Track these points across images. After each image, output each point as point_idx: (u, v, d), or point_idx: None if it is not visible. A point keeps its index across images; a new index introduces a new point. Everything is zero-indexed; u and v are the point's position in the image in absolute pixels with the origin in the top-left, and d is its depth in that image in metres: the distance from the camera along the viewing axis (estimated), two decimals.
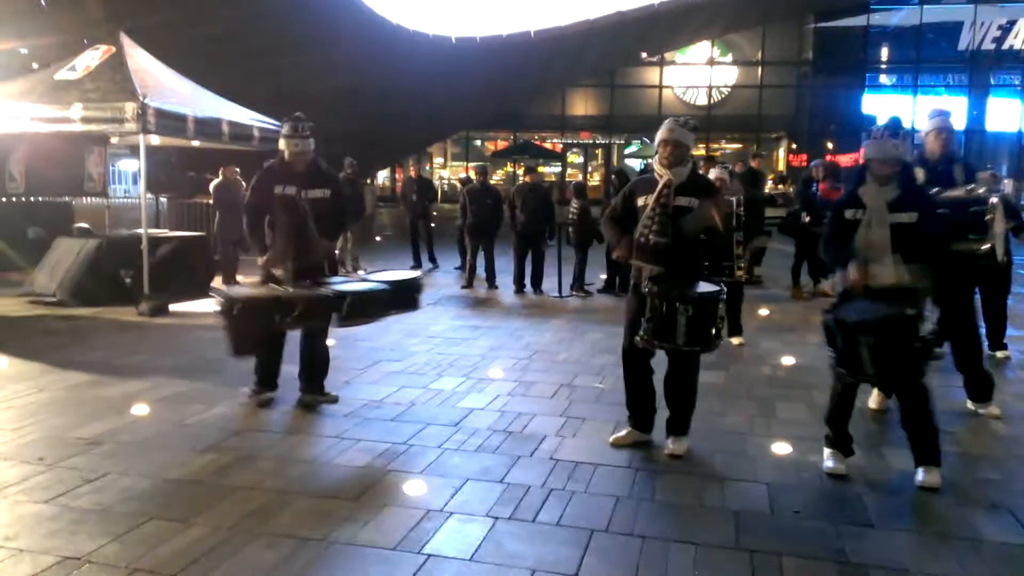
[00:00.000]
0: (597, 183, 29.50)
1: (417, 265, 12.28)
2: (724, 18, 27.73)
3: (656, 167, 4.22)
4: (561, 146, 32.91)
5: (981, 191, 4.65)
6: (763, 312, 8.68)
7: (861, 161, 4.00)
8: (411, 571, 3.00)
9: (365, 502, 3.61)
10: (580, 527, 3.37)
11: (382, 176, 33.33)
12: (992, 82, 29.80)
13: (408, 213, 12.76)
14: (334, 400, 5.16)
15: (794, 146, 30.95)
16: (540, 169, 10.70)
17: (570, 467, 4.06)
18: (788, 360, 6.45)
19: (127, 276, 8.57)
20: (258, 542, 3.19)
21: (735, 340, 6.97)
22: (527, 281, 10.23)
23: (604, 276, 10.32)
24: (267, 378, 5.22)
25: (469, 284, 10.50)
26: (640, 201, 4.22)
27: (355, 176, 12.06)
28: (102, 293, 8.52)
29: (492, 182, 11.57)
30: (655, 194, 4.13)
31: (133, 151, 15.72)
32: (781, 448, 4.37)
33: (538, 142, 31.63)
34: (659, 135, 4.21)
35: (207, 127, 8.70)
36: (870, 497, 3.74)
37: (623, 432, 4.40)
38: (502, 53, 21.35)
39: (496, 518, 3.45)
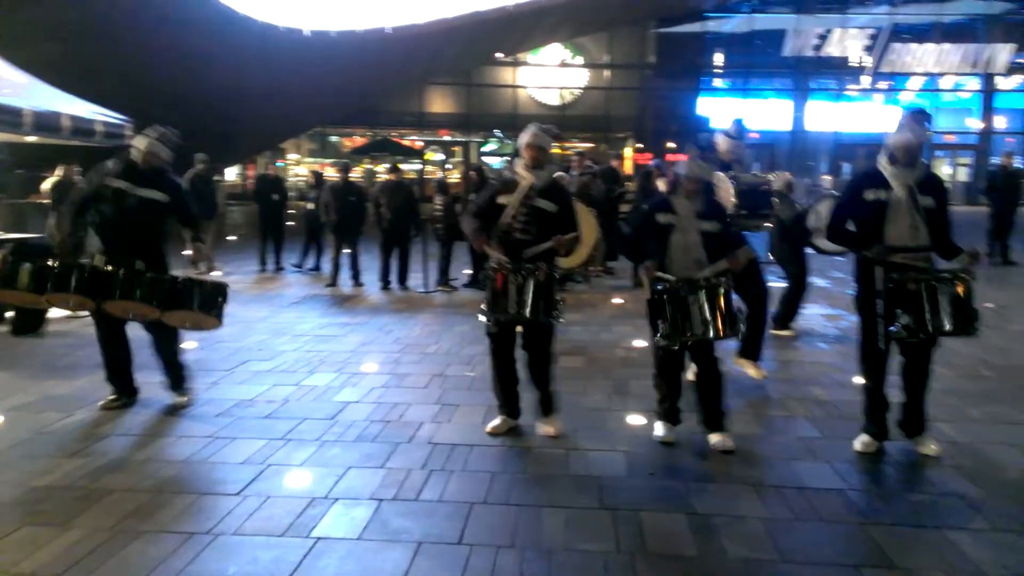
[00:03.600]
0: (457, 180, 29.82)
1: (263, 267, 11.91)
2: (573, 22, 28.76)
3: (519, 169, 4.52)
4: (420, 143, 32.95)
5: (771, 177, 5.63)
6: (616, 300, 9.28)
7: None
8: (301, 554, 3.13)
9: (247, 495, 3.68)
10: (461, 501, 3.62)
11: (233, 173, 31.99)
12: (812, 86, 32.70)
13: (264, 213, 12.10)
14: (185, 403, 5.08)
15: (640, 146, 32.61)
16: (399, 166, 10.73)
17: (448, 449, 4.29)
18: (639, 343, 6.97)
19: None
20: (141, 540, 3.21)
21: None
22: (393, 277, 10.34)
23: (468, 271, 10.60)
24: (122, 385, 5.08)
25: (333, 282, 10.46)
26: (502, 200, 4.50)
27: (209, 173, 11.65)
28: None
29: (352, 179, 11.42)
30: (519, 196, 4.44)
31: None
32: (635, 420, 4.81)
33: (397, 139, 31.49)
34: (525, 139, 4.51)
35: (45, 121, 8.19)
36: (712, 458, 4.22)
37: (497, 421, 4.63)
38: (359, 49, 21.12)
39: (380, 500, 3.63)
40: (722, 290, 4.16)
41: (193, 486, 3.82)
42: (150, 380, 5.31)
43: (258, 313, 8.25)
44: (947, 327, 3.99)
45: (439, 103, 32.43)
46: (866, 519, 3.52)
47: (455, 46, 25.55)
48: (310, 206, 11.76)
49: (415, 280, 10.38)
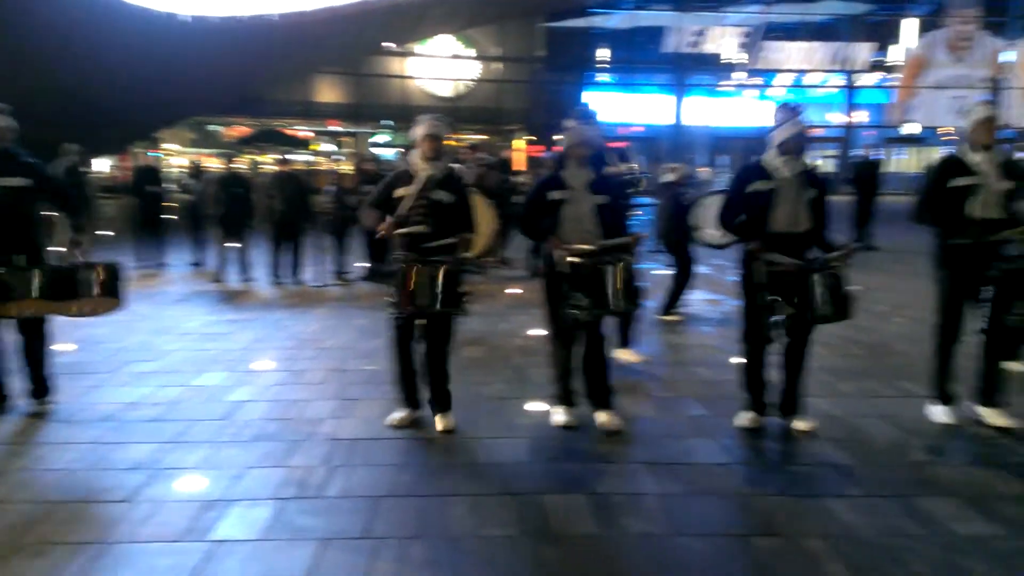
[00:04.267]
0: (349, 171, 29.27)
1: (158, 264, 11.32)
2: (463, 13, 28.76)
3: (417, 160, 4.49)
4: (308, 134, 32.11)
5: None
6: (513, 290, 9.41)
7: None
8: (199, 558, 3.04)
9: (139, 501, 3.52)
10: (366, 496, 3.60)
11: (105, 164, 30.13)
12: (690, 82, 34.06)
13: (141, 206, 11.41)
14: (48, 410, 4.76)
15: (532, 138, 33.03)
16: (287, 157, 10.51)
17: (350, 444, 4.25)
18: (537, 331, 7.10)
19: None
20: (23, 553, 3.02)
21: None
22: (285, 271, 10.07)
23: (364, 264, 10.46)
24: None
25: (220, 278, 10.07)
26: (399, 191, 4.46)
27: (79, 164, 10.95)
28: None
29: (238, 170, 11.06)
30: (417, 187, 4.41)
31: None
32: (535, 407, 4.92)
33: (283, 129, 30.56)
34: (421, 130, 4.46)
35: None
36: (608, 439, 4.37)
37: (399, 414, 4.59)
38: (243, 35, 20.33)
39: (282, 499, 3.56)
40: (629, 264, 4.27)
41: (78, 494, 3.62)
42: (23, 386, 4.98)
43: (139, 311, 7.83)
44: (825, 313, 4.21)
45: (327, 92, 31.72)
46: (752, 491, 3.75)
47: (343, 34, 25.00)
48: (187, 196, 11.28)
49: (308, 274, 10.15)
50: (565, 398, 4.61)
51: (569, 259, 4.27)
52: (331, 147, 33.31)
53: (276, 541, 3.18)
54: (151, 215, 11.42)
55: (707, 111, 33.54)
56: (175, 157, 31.42)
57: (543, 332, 7.01)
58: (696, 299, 8.59)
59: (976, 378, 4.61)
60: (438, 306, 4.26)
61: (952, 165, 4.52)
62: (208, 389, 5.30)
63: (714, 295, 9.11)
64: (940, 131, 32.40)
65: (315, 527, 3.30)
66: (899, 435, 4.48)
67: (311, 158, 31.42)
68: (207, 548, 3.11)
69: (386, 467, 3.95)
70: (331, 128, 32.70)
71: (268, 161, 20.39)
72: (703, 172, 26.45)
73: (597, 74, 34.79)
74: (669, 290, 7.71)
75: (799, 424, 4.50)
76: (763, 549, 3.17)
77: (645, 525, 3.35)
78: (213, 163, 21.71)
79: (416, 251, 4.37)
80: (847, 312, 4.27)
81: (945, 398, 4.67)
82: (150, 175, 11.86)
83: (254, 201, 10.24)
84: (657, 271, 8.19)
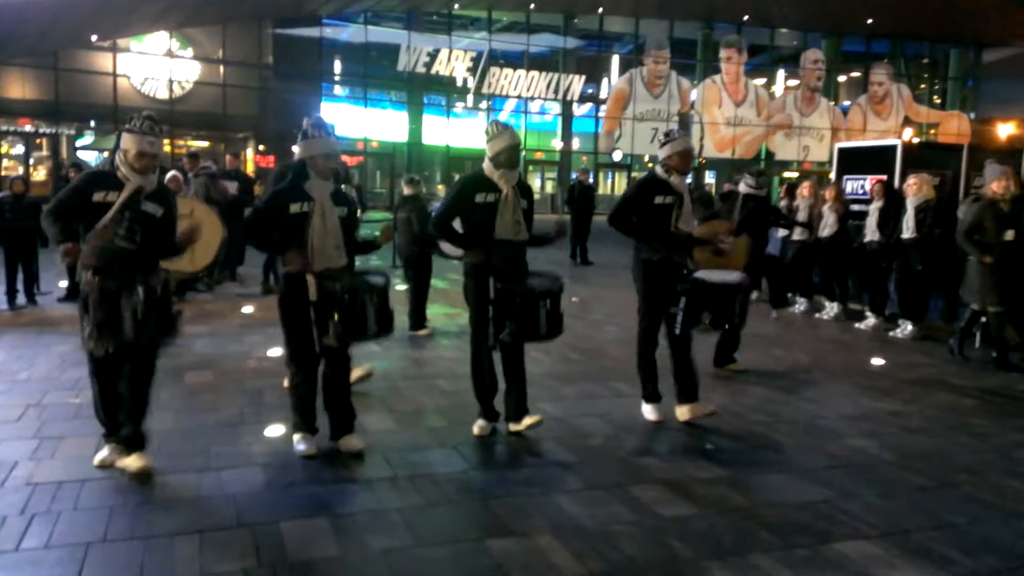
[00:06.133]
0: (44, 178, 25.71)
1: None
2: (181, 10, 26.75)
3: (125, 171, 4.00)
4: None
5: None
6: (245, 309, 8.93)
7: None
8: None
9: None
10: (74, 544, 3.21)
11: None
12: (425, 102, 34.85)
13: None
14: None
15: (261, 147, 31.58)
16: None
17: (52, 488, 3.76)
18: (273, 352, 6.82)
19: None
20: None
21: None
22: None
23: (64, 283, 9.28)
24: None
25: None
26: (99, 197, 3.92)
27: None
28: None
29: None
30: (124, 197, 3.95)
31: None
32: (273, 431, 4.73)
33: None
34: (130, 146, 3.97)
35: None
36: (350, 458, 4.33)
37: (105, 451, 4.10)
38: None
39: None
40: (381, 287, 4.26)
41: None
42: None
43: None
44: (541, 333, 4.60)
45: (18, 87, 27.60)
46: (486, 494, 3.94)
47: (37, 22, 22.05)
48: None
49: None
50: (305, 424, 4.45)
51: (316, 281, 4.17)
52: (22, 149, 29.01)
53: None
54: None
55: (442, 130, 34.52)
56: None
57: (279, 352, 6.78)
58: (435, 313, 8.82)
59: (673, 378, 5.22)
60: (142, 338, 3.84)
61: (656, 184, 5.05)
62: None
63: (451, 308, 9.41)
64: (646, 159, 36.60)
65: None
66: (613, 431, 4.98)
67: None
68: None
69: (97, 510, 3.56)
70: (23, 128, 28.49)
71: None
72: (440, 188, 27.18)
73: (333, 86, 34.21)
74: (413, 304, 7.84)
75: (525, 423, 4.78)
76: (499, 549, 3.34)
77: (387, 541, 3.38)
78: None
79: (116, 270, 3.90)
80: (557, 332, 4.67)
81: (652, 397, 5.25)
82: None
83: None
84: (400, 287, 8.28)
